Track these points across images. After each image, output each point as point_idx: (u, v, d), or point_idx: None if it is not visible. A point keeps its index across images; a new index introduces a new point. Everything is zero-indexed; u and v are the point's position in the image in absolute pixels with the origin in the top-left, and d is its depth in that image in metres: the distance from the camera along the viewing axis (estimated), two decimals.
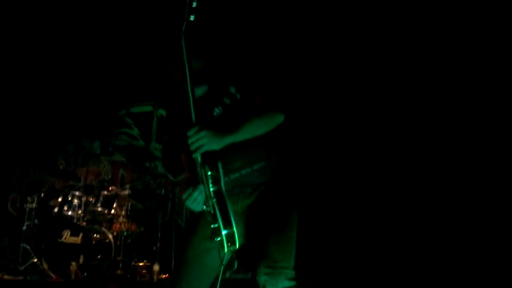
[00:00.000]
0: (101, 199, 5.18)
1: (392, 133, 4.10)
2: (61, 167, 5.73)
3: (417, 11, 3.92)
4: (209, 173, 1.91)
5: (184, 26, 1.94)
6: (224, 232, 1.87)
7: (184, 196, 1.99)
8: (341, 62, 4.36)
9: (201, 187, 1.95)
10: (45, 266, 4.66)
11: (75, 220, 5.01)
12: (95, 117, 6.68)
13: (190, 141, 1.88)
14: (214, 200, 1.91)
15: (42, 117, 6.13)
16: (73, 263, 4.54)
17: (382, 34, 4.19)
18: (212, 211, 1.92)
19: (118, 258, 4.91)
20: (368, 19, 4.19)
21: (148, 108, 6.67)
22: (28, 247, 4.86)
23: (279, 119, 2.08)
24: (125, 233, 5.14)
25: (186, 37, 1.94)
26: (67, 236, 4.84)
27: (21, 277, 4.61)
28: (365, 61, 4.26)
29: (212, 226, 1.92)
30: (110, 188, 5.34)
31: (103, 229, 5.09)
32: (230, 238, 1.87)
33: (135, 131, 6.65)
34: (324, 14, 4.32)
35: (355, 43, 4.30)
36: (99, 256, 4.83)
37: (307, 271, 2.14)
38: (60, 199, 5.15)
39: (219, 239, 1.89)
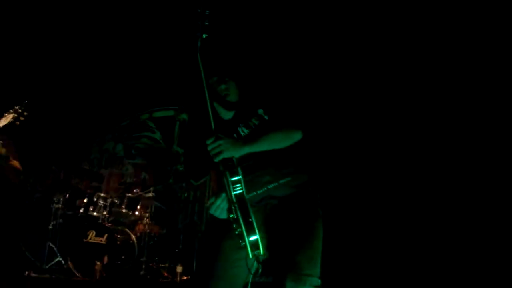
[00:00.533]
0: (125, 200, 5.25)
1: (397, 136, 4.12)
2: (86, 168, 5.82)
3: (417, 11, 3.94)
4: (230, 178, 1.99)
5: (199, 44, 2.09)
6: (247, 238, 1.92)
7: (207, 204, 2.10)
8: (347, 70, 4.40)
9: (223, 195, 2.03)
10: (70, 265, 4.74)
11: (100, 221, 5.09)
12: (119, 121, 6.80)
13: (209, 148, 1.99)
14: (236, 205, 1.97)
15: (68, 119, 6.24)
16: (98, 263, 4.61)
17: (383, 37, 4.22)
18: (235, 217, 1.97)
19: (141, 259, 4.96)
20: (372, 23, 4.23)
21: (171, 113, 6.75)
22: (53, 246, 4.94)
23: (297, 135, 2.19)
24: (148, 234, 5.20)
25: (201, 54, 2.08)
26: (92, 236, 4.92)
27: (46, 275, 4.70)
28: (368, 65, 4.30)
29: (236, 231, 1.98)
30: (135, 190, 5.41)
31: (127, 230, 5.16)
32: (254, 243, 1.92)
33: (157, 135, 6.75)
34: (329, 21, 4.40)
35: (360, 48, 4.34)
36: (123, 257, 4.90)
37: (332, 281, 2.17)
38: (85, 200, 5.24)
39: (243, 244, 1.94)
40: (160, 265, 5.08)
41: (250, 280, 2.09)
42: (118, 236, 5.00)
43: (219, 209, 2.04)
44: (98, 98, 6.42)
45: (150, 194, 5.30)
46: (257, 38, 4.57)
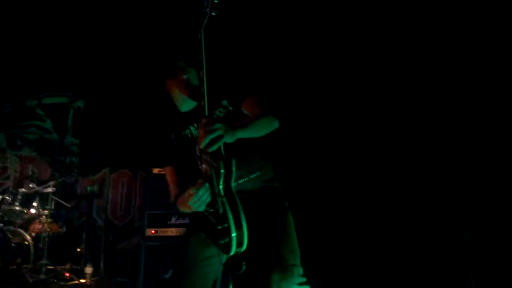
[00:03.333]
0: (19, 197, 4.66)
1: (389, 134, 4.13)
2: None
3: (417, 11, 4.00)
4: (222, 169, 1.90)
5: (204, 22, 1.93)
6: (233, 234, 1.84)
7: (187, 195, 1.95)
8: (333, 64, 4.38)
9: (206, 185, 1.91)
10: None
11: None
12: (0, 107, 5.98)
13: (207, 129, 1.82)
14: (224, 198, 1.89)
15: None
16: None
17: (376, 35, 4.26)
18: (221, 210, 1.88)
19: (40, 261, 4.46)
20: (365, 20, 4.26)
21: (63, 100, 6.15)
22: None
23: (276, 124, 2.14)
24: (44, 234, 4.69)
25: (205, 33, 1.93)
26: None
27: None
28: (360, 62, 4.29)
29: (218, 227, 1.90)
30: (30, 185, 4.82)
31: (21, 230, 4.59)
32: (239, 239, 1.85)
33: (48, 124, 6.09)
34: (316, 16, 4.35)
35: (348, 44, 4.33)
36: (18, 260, 4.36)
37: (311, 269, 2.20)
38: None
39: (226, 240, 1.86)
40: (62, 267, 4.61)
41: (230, 277, 2.07)
42: (11, 237, 4.43)
43: (200, 201, 1.91)
44: None
45: (49, 189, 4.77)
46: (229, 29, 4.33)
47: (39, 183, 4.92)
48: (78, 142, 6.06)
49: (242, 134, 1.96)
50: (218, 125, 1.83)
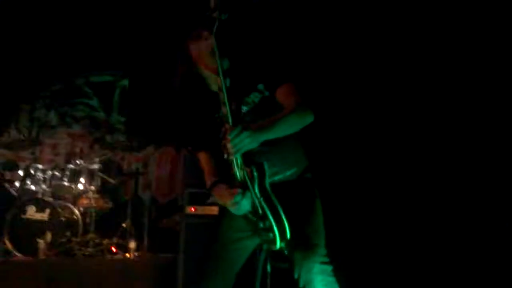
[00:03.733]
0: (67, 173, 4.83)
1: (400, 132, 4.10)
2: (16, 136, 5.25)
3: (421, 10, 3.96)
4: (255, 173, 1.89)
5: (214, 28, 1.83)
6: (276, 231, 1.85)
7: (230, 204, 1.94)
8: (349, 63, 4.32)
9: (247, 194, 1.91)
10: (8, 244, 4.31)
11: (39, 195, 4.65)
12: (50, 85, 6.17)
13: (232, 143, 1.78)
14: (262, 199, 1.89)
15: None
16: (41, 241, 4.23)
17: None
18: (260, 212, 1.89)
19: (87, 235, 4.63)
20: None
21: (109, 78, 6.27)
22: None
23: (310, 118, 2.04)
24: (93, 209, 4.84)
25: (217, 37, 1.85)
26: (32, 212, 4.49)
27: None
28: (368, 61, 4.25)
29: (260, 225, 1.90)
30: (77, 162, 4.98)
31: (70, 205, 4.77)
32: (282, 234, 1.86)
33: (95, 102, 6.24)
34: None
35: (358, 43, 4.27)
36: (67, 234, 4.54)
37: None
38: (21, 172, 4.74)
39: (270, 237, 1.87)
40: (108, 241, 4.76)
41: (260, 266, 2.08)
42: (61, 211, 4.61)
43: (240, 209, 1.93)
44: (26, 59, 5.77)
45: (95, 166, 4.91)
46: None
47: (86, 160, 5.08)
48: (124, 120, 6.19)
49: (269, 135, 1.91)
50: (244, 134, 1.79)
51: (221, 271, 2.07)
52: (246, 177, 1.90)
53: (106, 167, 5.39)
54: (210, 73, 2.07)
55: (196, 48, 2.07)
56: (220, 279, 2.06)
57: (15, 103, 5.98)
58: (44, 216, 4.50)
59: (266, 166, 1.92)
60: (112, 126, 6.12)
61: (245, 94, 2.10)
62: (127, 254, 4.53)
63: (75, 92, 6.25)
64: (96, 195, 4.90)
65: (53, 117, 6.07)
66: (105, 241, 4.68)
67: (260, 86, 2.09)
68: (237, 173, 1.91)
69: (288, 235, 1.85)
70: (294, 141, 2.13)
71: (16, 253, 4.26)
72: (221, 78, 1.84)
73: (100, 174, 5.04)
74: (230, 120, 1.84)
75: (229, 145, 1.79)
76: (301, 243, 1.91)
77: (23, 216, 4.44)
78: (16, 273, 3.92)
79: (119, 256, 4.54)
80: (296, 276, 1.89)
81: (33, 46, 5.66)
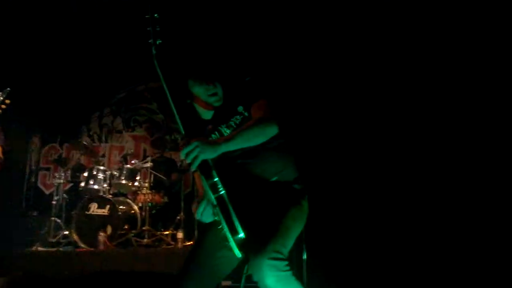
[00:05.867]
0: (124, 172, 5.35)
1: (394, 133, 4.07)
2: (85, 143, 5.90)
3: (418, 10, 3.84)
4: (208, 181, 1.96)
5: (154, 51, 2.03)
6: (232, 239, 1.91)
7: (193, 211, 2.10)
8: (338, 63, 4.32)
9: (205, 199, 2.04)
10: (75, 237, 4.92)
11: (101, 193, 5.22)
12: (115, 93, 6.82)
13: (184, 153, 1.91)
14: (217, 208, 1.95)
15: (65, 97, 6.28)
16: (102, 234, 4.77)
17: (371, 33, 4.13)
18: (217, 218, 1.97)
19: (144, 227, 5.10)
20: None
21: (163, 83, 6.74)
22: (58, 220, 5.10)
23: (272, 130, 2.12)
24: (149, 204, 5.31)
25: (159, 61, 2.03)
26: (94, 209, 5.07)
27: (54, 249, 4.88)
28: (362, 61, 4.21)
29: (222, 232, 1.96)
30: (133, 162, 5.50)
31: (128, 200, 5.29)
32: (239, 242, 1.91)
33: (154, 106, 6.77)
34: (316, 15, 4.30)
35: (350, 44, 4.25)
36: (126, 226, 5.04)
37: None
38: (86, 174, 5.36)
39: (227, 243, 1.93)
40: (163, 232, 5.21)
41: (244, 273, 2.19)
42: (120, 207, 5.14)
43: (204, 214, 2.06)
44: (93, 72, 6.43)
45: (148, 164, 5.38)
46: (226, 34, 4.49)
47: (142, 159, 5.58)
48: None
49: (229, 147, 2.01)
50: (192, 145, 1.90)
51: (202, 276, 2.11)
52: (205, 185, 2.00)
53: (163, 164, 5.85)
54: (200, 106, 2.30)
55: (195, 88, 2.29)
56: (201, 285, 2.10)
57: (86, 113, 6.71)
58: (105, 211, 5.05)
59: (215, 175, 1.97)
60: (170, 127, 6.60)
61: (228, 117, 2.23)
62: (178, 244, 4.93)
63: (137, 98, 6.83)
64: (151, 191, 5.36)
65: (119, 122, 6.71)
66: (159, 233, 5.13)
67: (240, 108, 2.22)
68: (204, 185, 2.01)
69: (241, 244, 1.90)
70: (277, 153, 2.19)
71: (81, 245, 4.85)
72: (167, 93, 2.04)
73: (154, 171, 5.50)
74: (181, 130, 2.00)
75: (183, 154, 1.93)
76: (254, 242, 1.93)
77: (87, 212, 5.04)
78: (81, 262, 4.51)
79: (170, 246, 4.95)
80: (250, 272, 1.92)
81: (99, 58, 6.29)
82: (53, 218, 5.17)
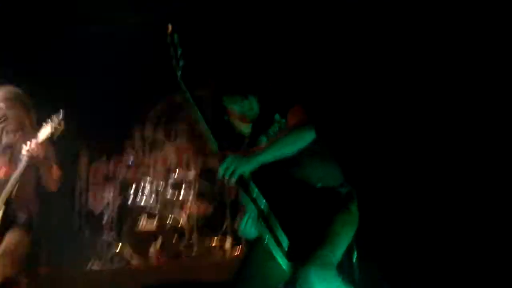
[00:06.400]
0: (169, 184, 5.42)
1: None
2: (130, 158, 6.00)
3: None
4: (248, 195, 2.00)
5: (179, 73, 2.10)
6: (276, 250, 1.93)
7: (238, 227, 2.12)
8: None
9: (246, 215, 2.05)
10: (128, 253, 5.03)
11: (149, 207, 5.31)
12: (155, 105, 6.90)
13: (221, 171, 1.94)
14: (260, 220, 1.98)
15: (107, 114, 6.41)
16: (152, 248, 4.85)
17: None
18: (262, 232, 2.00)
19: (191, 240, 5.13)
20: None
21: (202, 92, 6.75)
22: (110, 238, 5.23)
23: (309, 135, 2.08)
24: (195, 215, 5.34)
25: (185, 81, 2.11)
26: (143, 223, 5.16)
27: (108, 266, 5.01)
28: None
29: (267, 244, 1.99)
30: (177, 172, 5.56)
31: (175, 213, 5.35)
32: (284, 254, 1.92)
33: (194, 114, 6.78)
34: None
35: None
36: (173, 240, 5.10)
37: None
38: (133, 189, 5.46)
39: (276, 255, 1.95)
40: (211, 243, 5.23)
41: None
42: (168, 219, 5.20)
43: (247, 229, 2.06)
44: (133, 85, 6.52)
45: (192, 174, 5.42)
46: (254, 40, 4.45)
47: (186, 169, 5.62)
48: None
49: (266, 157, 2.00)
50: (228, 161, 1.92)
51: (257, 283, 2.13)
52: (248, 202, 2.03)
53: (207, 173, 5.87)
54: (238, 120, 2.36)
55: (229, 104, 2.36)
56: None
57: (128, 127, 6.82)
58: (154, 225, 5.13)
59: (255, 189, 2.00)
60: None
61: (267, 128, 2.24)
62: (226, 253, 4.94)
63: (176, 108, 6.88)
64: (196, 201, 5.39)
65: (160, 134, 6.79)
66: (207, 242, 5.15)
67: (277, 116, 2.22)
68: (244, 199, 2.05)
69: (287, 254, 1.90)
70: (318, 158, 2.16)
71: (133, 260, 4.95)
72: (198, 112, 2.17)
73: (200, 181, 5.53)
74: (215, 147, 2.04)
75: (219, 174, 1.96)
76: (301, 251, 1.91)
77: (136, 228, 5.13)
78: (134, 277, 4.60)
79: (218, 256, 4.97)
80: (298, 281, 1.87)
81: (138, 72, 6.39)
82: (104, 236, 5.29)
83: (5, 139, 3.33)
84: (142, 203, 5.33)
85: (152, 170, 6.25)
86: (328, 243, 1.96)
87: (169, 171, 5.82)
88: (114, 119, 6.54)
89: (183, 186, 5.45)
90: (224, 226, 5.36)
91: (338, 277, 1.90)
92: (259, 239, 2.13)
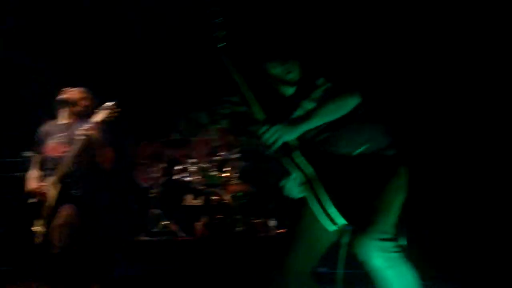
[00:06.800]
0: (214, 163, 5.60)
1: None
2: (177, 139, 6.22)
3: None
4: (293, 161, 2.02)
5: (220, 44, 2.09)
6: (321, 215, 1.94)
7: (280, 185, 2.15)
8: None
9: (293, 176, 2.06)
10: (174, 227, 5.24)
11: (194, 185, 5.50)
12: (200, 89, 7.08)
13: (264, 138, 1.99)
14: (308, 184, 1.99)
15: (155, 97, 6.64)
16: (198, 223, 5.05)
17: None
18: (308, 195, 2.00)
19: (236, 216, 5.29)
20: None
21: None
22: (158, 211, 5.46)
23: (353, 100, 2.09)
24: (240, 193, 5.49)
25: (225, 53, 2.09)
26: (189, 200, 5.36)
27: (156, 238, 5.24)
28: None
29: (313, 208, 1.99)
30: (221, 153, 5.72)
31: (220, 191, 5.52)
32: (330, 218, 1.93)
33: (236, 98, 6.94)
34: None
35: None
36: (219, 216, 5.28)
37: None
38: (180, 167, 5.67)
39: (321, 218, 1.97)
40: (255, 220, 5.37)
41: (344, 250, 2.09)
42: (213, 197, 5.38)
43: (292, 190, 2.09)
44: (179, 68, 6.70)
45: (236, 155, 5.57)
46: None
47: (230, 150, 5.78)
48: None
49: (311, 124, 2.03)
50: (272, 129, 1.98)
51: (306, 250, 2.11)
52: (293, 168, 2.05)
53: (252, 154, 6.00)
54: (281, 86, 2.31)
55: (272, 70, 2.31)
56: (302, 257, 2.10)
57: (175, 109, 7.04)
58: (199, 202, 5.33)
59: (299, 156, 2.01)
60: (252, 117, 6.74)
61: (311, 92, 2.20)
62: (269, 232, 5.08)
63: (220, 91, 7.04)
64: (240, 181, 5.55)
65: (204, 117, 6.97)
66: (251, 221, 5.30)
67: (320, 81, 2.18)
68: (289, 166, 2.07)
69: (338, 223, 1.92)
70: (363, 122, 2.13)
71: (179, 234, 5.16)
72: (239, 82, 2.15)
73: (242, 162, 5.68)
74: (260, 117, 2.08)
75: (261, 141, 2.02)
76: (360, 219, 1.92)
77: (183, 204, 5.34)
78: (179, 250, 4.82)
79: (262, 231, 5.11)
80: (355, 252, 1.91)
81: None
82: (152, 210, 5.53)
83: (64, 121, 3.54)
84: (189, 180, 5.51)
85: (198, 151, 6.45)
86: (384, 214, 1.96)
87: (214, 151, 5.99)
88: (160, 102, 6.77)
89: (227, 165, 5.60)
90: (268, 206, 5.48)
91: (398, 249, 1.91)
92: (303, 208, 2.12)
